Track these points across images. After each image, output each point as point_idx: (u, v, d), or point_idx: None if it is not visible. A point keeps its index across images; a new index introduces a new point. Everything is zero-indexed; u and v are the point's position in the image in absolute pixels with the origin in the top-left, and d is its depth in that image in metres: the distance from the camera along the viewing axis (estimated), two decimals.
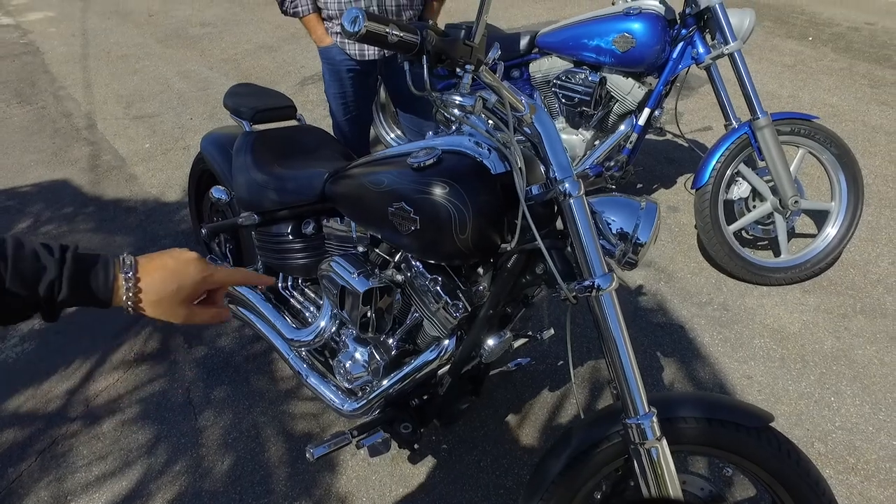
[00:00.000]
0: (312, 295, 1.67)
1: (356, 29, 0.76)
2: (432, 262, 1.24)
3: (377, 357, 1.41)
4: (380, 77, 2.28)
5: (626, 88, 2.31)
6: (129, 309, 0.69)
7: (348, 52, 2.09)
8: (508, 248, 1.14)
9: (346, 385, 1.46)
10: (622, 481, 1.25)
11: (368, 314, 1.28)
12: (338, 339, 1.54)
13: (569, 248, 1.12)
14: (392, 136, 3.24)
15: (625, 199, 1.13)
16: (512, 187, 1.16)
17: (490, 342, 1.30)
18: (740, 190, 2.28)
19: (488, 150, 1.14)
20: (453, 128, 1.20)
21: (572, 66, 2.40)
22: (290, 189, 1.56)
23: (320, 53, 2.16)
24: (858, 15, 5.48)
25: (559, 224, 1.13)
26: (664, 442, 1.05)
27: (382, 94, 3.17)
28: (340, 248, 1.50)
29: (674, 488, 1.05)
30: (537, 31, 2.57)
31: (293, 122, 1.93)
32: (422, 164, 1.12)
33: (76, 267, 0.65)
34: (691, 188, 2.27)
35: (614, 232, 1.12)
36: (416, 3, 2.09)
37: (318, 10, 2.04)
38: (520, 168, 1.04)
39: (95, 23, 5.89)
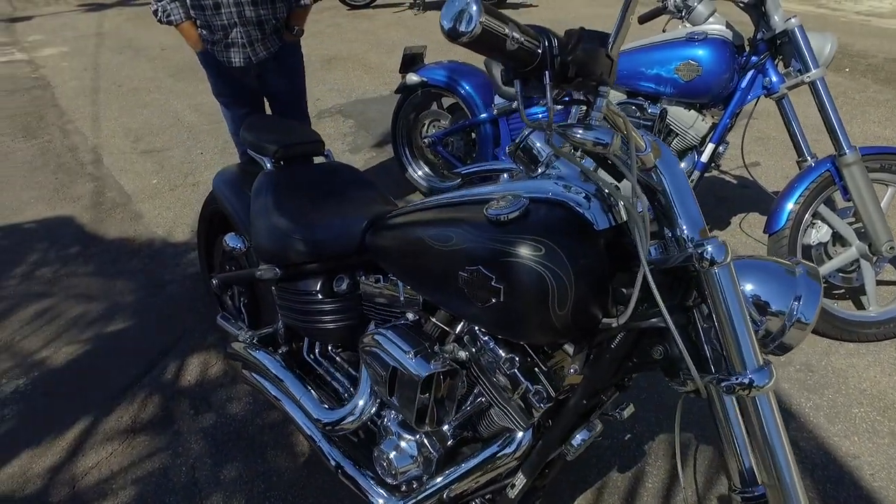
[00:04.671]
0: (346, 365, 1.41)
1: (469, 28, 0.50)
2: (512, 339, 0.98)
3: (429, 447, 1.14)
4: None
5: (688, 122, 2.08)
6: None
7: (219, 58, 2.16)
8: (615, 325, 0.88)
9: (390, 480, 1.18)
10: None
11: (427, 403, 1.01)
12: (378, 420, 1.26)
13: (694, 325, 0.87)
14: (420, 173, 3.00)
15: (769, 263, 0.87)
16: (616, 247, 0.91)
17: (578, 437, 1.03)
18: (819, 234, 2.02)
19: (586, 198, 0.89)
20: (540, 170, 0.95)
21: (625, 97, 2.18)
22: (320, 238, 1.32)
23: (198, 57, 2.24)
24: (892, 46, 5.31)
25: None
26: None
27: (403, 129, 2.95)
28: (383, 314, 1.24)
29: None
30: None
31: (321, 159, 1.71)
32: (505, 217, 0.87)
33: None
34: (765, 232, 2.01)
35: (755, 305, 0.86)
36: (278, 12, 2.11)
37: (191, 18, 2.09)
38: (642, 222, 0.79)
39: (108, 57, 5.78)
